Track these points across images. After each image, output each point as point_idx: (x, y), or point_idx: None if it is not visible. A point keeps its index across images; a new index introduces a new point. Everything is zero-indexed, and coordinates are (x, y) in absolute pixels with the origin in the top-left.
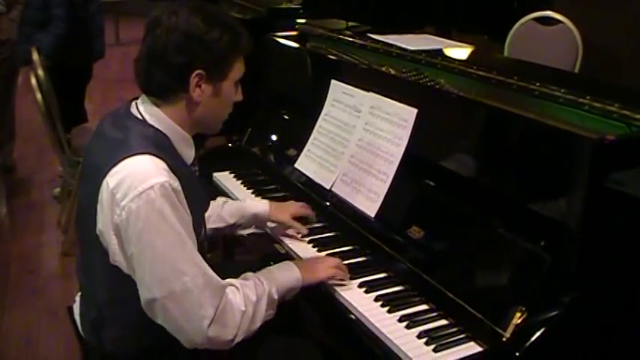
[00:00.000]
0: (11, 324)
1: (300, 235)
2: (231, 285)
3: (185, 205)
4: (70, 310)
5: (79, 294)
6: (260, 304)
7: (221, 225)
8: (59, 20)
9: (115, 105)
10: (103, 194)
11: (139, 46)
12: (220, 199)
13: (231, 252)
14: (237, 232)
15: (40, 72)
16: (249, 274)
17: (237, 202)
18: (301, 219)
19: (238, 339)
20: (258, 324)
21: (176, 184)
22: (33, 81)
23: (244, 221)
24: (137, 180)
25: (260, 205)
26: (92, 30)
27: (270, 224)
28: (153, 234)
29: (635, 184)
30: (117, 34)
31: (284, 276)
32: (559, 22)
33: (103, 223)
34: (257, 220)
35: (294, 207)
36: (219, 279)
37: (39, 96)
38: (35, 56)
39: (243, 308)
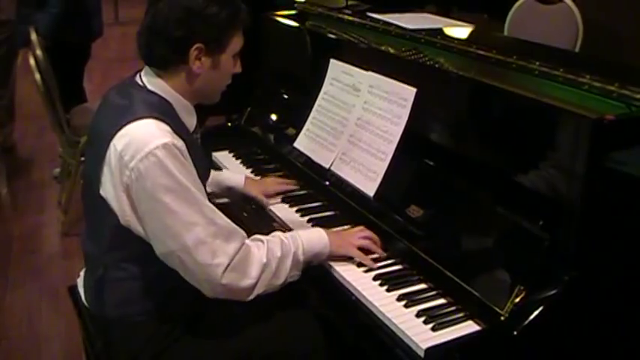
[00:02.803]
0: (13, 303)
1: (279, 195)
2: (258, 240)
3: (190, 162)
4: (71, 289)
5: (84, 269)
6: (284, 262)
7: None
8: None
9: (114, 84)
10: (111, 157)
11: (138, 26)
12: None
13: None
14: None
15: (39, 52)
16: (278, 232)
17: (216, 173)
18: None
19: (258, 291)
20: (281, 280)
21: (180, 143)
22: (32, 61)
23: (219, 191)
24: (142, 142)
25: (235, 179)
26: (89, 9)
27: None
28: (162, 191)
29: (635, 163)
30: (116, 13)
31: (312, 239)
32: (559, 0)
33: (113, 185)
34: (230, 192)
35: (270, 185)
36: (235, 227)
37: (38, 76)
38: (33, 36)
39: (265, 260)
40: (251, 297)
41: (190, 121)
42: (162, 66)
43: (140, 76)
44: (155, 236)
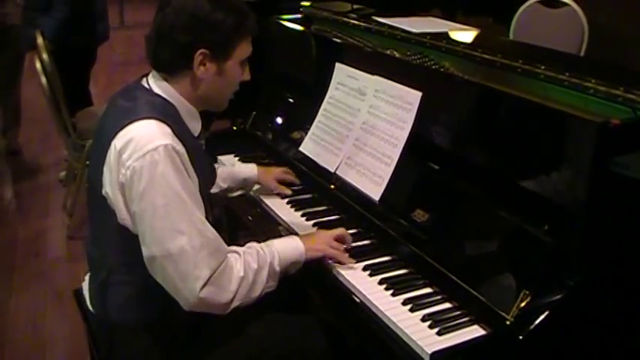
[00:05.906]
0: (17, 307)
1: (284, 198)
2: (234, 252)
3: (190, 168)
4: (77, 292)
5: (88, 273)
6: (261, 273)
7: (215, 190)
8: (61, 4)
9: (120, 88)
10: (111, 156)
11: (143, 29)
12: None
13: (235, 235)
14: (226, 195)
15: (45, 56)
16: (253, 243)
17: (228, 168)
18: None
19: (235, 304)
20: (257, 292)
21: (179, 147)
22: (37, 65)
23: (234, 185)
24: (142, 142)
25: (249, 170)
26: (95, 12)
27: (255, 188)
28: (154, 193)
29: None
30: (121, 16)
31: (287, 249)
32: (564, 4)
33: (110, 184)
34: (246, 183)
35: (278, 172)
36: (222, 242)
37: (43, 80)
38: (39, 40)
39: (242, 274)
40: (227, 311)
41: (195, 125)
42: (168, 70)
43: (147, 79)
44: (142, 239)
